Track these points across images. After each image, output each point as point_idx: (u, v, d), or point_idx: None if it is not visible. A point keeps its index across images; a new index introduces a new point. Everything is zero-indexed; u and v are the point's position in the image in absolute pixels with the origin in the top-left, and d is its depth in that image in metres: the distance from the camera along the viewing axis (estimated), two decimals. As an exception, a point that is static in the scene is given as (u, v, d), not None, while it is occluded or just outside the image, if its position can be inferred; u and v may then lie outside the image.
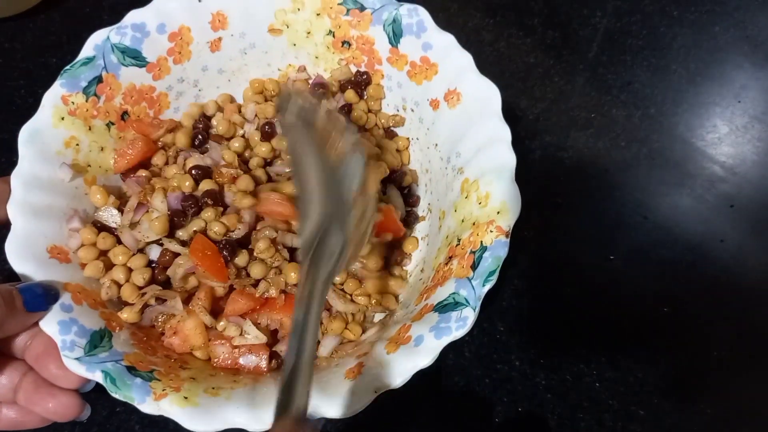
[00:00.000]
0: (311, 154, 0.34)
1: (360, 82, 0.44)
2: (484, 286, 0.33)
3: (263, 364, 0.37)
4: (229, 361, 0.37)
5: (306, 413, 0.27)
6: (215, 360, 0.37)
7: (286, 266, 0.39)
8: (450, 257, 0.36)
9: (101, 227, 0.39)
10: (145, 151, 0.42)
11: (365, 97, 0.45)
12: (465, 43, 0.39)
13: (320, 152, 0.34)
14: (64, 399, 0.33)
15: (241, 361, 0.37)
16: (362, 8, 0.42)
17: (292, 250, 0.40)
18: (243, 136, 0.45)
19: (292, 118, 0.35)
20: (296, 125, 0.35)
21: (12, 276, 0.34)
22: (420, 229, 0.44)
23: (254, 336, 0.38)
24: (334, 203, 0.33)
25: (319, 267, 0.31)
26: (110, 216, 0.39)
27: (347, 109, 0.45)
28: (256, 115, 0.45)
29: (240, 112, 0.46)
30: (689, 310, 0.46)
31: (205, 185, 0.40)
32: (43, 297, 0.32)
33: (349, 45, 0.44)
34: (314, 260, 0.31)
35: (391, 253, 0.42)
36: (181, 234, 0.39)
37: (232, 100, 0.47)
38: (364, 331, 0.40)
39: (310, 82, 0.47)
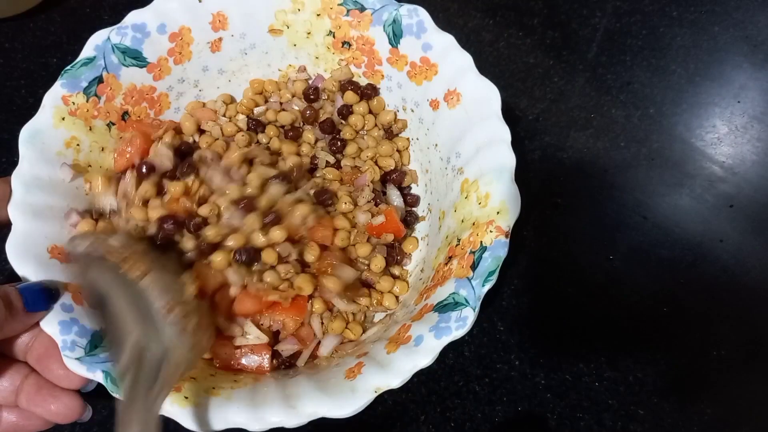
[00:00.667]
0: (110, 283, 0.33)
1: (367, 94, 0.45)
2: (483, 286, 0.33)
3: (265, 363, 0.37)
4: (231, 362, 0.37)
5: None
6: (217, 361, 0.37)
7: (297, 277, 0.38)
8: (450, 257, 0.36)
9: (99, 217, 0.39)
10: (145, 149, 0.42)
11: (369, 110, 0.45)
12: (465, 43, 0.39)
13: (118, 279, 0.32)
14: (66, 400, 0.33)
15: (243, 361, 0.37)
16: (362, 9, 0.42)
17: (304, 264, 0.40)
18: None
19: (81, 254, 0.33)
20: (87, 262, 0.33)
21: (12, 276, 0.34)
22: (420, 229, 0.44)
23: (255, 336, 0.38)
24: (143, 322, 0.32)
25: (140, 388, 0.30)
26: (108, 203, 0.39)
27: (346, 111, 0.45)
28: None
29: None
30: (689, 310, 0.46)
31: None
32: (43, 297, 0.32)
33: (350, 45, 0.44)
34: (134, 384, 0.30)
35: (391, 253, 0.42)
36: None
37: (232, 100, 0.47)
38: (364, 331, 0.40)
39: (310, 82, 0.47)
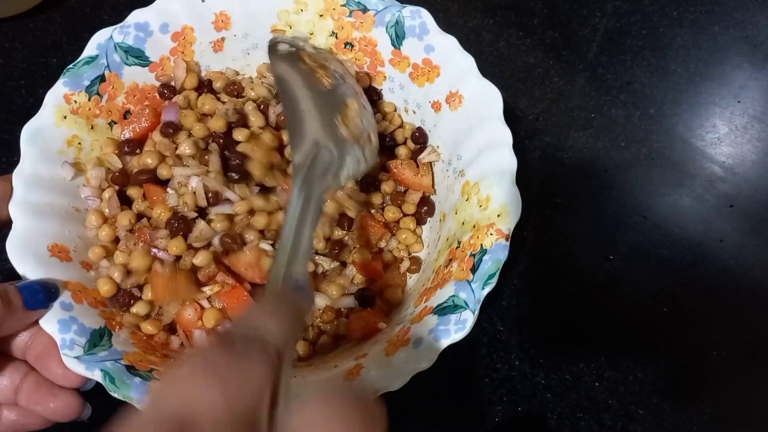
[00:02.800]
0: (300, 81, 0.36)
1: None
2: (483, 289, 0.33)
3: None
4: None
5: (299, 280, 0.28)
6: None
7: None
8: (450, 259, 0.36)
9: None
10: (154, 124, 0.42)
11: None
12: (465, 43, 0.39)
13: (308, 81, 0.36)
14: (65, 398, 0.33)
15: None
16: (365, 10, 0.42)
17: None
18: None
19: (282, 54, 0.37)
20: (285, 60, 0.37)
21: (12, 274, 0.34)
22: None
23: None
24: (325, 124, 0.35)
25: (312, 185, 0.33)
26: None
27: None
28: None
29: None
30: (689, 309, 0.46)
31: None
32: (42, 295, 0.32)
33: (352, 46, 0.44)
34: (307, 179, 0.33)
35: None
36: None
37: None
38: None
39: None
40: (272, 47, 0.39)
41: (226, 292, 0.38)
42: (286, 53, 0.39)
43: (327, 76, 0.37)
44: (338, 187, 0.38)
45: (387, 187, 0.42)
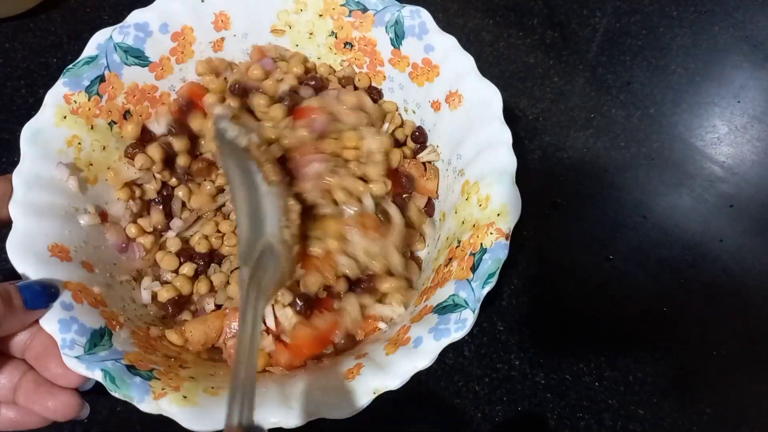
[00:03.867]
0: (241, 179, 0.36)
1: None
2: (483, 288, 0.33)
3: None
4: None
5: (251, 424, 0.28)
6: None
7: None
8: (450, 259, 0.36)
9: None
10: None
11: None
12: (465, 43, 0.40)
13: (252, 179, 0.36)
14: (64, 398, 0.33)
15: None
16: (365, 9, 0.42)
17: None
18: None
19: (226, 139, 0.36)
20: (233, 154, 0.36)
21: (12, 274, 0.34)
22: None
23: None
24: (259, 229, 0.35)
25: (259, 284, 0.33)
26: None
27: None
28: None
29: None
30: (689, 309, 0.46)
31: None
32: (43, 294, 0.32)
33: (352, 46, 0.44)
34: (254, 279, 0.33)
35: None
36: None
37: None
38: None
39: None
40: (218, 133, 0.37)
41: None
42: (232, 145, 0.37)
43: (271, 170, 0.36)
44: (278, 289, 0.37)
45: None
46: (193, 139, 0.43)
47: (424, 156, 0.43)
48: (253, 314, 0.32)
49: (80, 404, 0.33)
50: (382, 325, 0.37)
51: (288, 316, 0.37)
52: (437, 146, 0.43)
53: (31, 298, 0.32)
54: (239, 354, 0.30)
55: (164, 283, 0.41)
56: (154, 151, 0.40)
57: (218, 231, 0.43)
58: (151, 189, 0.42)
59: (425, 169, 0.43)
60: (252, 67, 0.42)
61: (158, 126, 0.42)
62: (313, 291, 0.38)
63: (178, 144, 0.41)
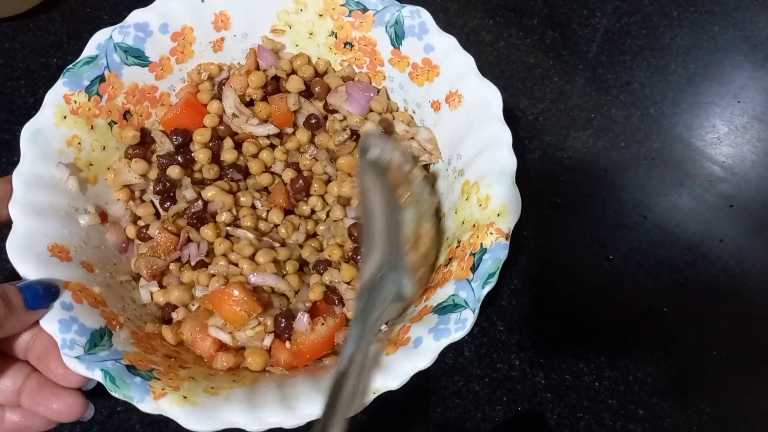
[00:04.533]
0: (381, 199, 0.35)
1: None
2: (483, 288, 0.33)
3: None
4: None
5: None
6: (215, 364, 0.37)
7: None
8: (450, 259, 0.36)
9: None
10: (194, 116, 0.42)
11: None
12: (465, 43, 0.39)
13: (389, 199, 0.35)
14: (68, 399, 0.33)
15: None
16: (365, 9, 0.42)
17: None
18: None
19: (371, 160, 0.36)
20: (372, 170, 0.36)
21: (12, 275, 0.34)
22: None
23: (247, 338, 0.38)
24: (394, 250, 0.34)
25: (371, 311, 0.32)
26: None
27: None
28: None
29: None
30: (689, 309, 0.46)
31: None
32: (43, 294, 0.32)
33: (352, 46, 0.44)
34: (368, 304, 0.32)
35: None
36: None
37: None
38: None
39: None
40: (363, 150, 0.37)
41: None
42: (374, 163, 0.37)
43: (408, 193, 0.36)
44: (395, 313, 0.36)
45: None
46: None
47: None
48: (362, 353, 0.30)
49: (85, 405, 0.33)
50: (381, 327, 0.37)
51: (304, 321, 0.37)
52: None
53: (32, 298, 0.32)
54: (336, 375, 0.29)
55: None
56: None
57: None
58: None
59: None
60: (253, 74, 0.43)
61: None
62: None
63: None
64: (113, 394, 0.31)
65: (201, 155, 0.41)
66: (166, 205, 0.41)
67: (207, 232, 0.39)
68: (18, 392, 0.33)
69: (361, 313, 0.32)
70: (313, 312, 0.39)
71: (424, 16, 0.40)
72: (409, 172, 0.38)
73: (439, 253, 0.39)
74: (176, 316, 0.39)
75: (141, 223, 0.41)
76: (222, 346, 0.37)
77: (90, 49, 0.40)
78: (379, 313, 0.32)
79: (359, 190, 0.39)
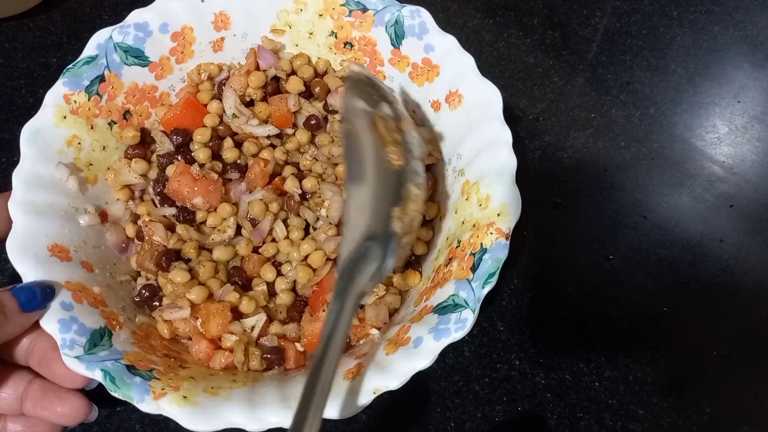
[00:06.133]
0: (368, 155, 0.33)
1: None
2: (483, 288, 0.33)
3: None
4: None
5: None
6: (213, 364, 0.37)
7: None
8: (450, 259, 0.36)
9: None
10: (194, 116, 0.42)
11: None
12: (465, 43, 0.40)
13: (377, 156, 0.32)
14: (73, 401, 0.33)
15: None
16: (364, 9, 0.42)
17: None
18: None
19: (359, 108, 0.33)
20: (360, 118, 0.33)
21: (14, 277, 0.34)
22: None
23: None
24: (380, 216, 0.33)
25: (353, 283, 0.31)
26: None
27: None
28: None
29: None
30: (689, 309, 0.46)
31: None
32: (38, 295, 0.32)
33: (352, 46, 0.44)
34: (350, 277, 0.31)
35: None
36: None
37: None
38: None
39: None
40: (350, 89, 0.34)
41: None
42: (363, 111, 0.34)
43: (397, 152, 0.33)
44: (376, 285, 0.35)
45: None
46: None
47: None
48: (344, 323, 0.30)
49: (89, 407, 0.33)
50: (373, 332, 0.37)
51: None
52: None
53: (27, 301, 0.32)
54: (320, 349, 0.29)
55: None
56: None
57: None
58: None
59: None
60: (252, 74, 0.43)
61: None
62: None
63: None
64: (113, 394, 0.31)
65: (201, 155, 0.41)
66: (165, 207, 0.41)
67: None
68: (20, 399, 0.33)
69: (341, 292, 0.31)
70: (313, 303, 0.39)
71: (424, 15, 0.40)
72: (398, 125, 0.34)
73: (423, 213, 0.36)
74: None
75: (141, 222, 0.41)
76: (218, 346, 0.37)
77: (90, 49, 0.40)
78: (359, 290, 0.31)
79: (343, 138, 0.36)
